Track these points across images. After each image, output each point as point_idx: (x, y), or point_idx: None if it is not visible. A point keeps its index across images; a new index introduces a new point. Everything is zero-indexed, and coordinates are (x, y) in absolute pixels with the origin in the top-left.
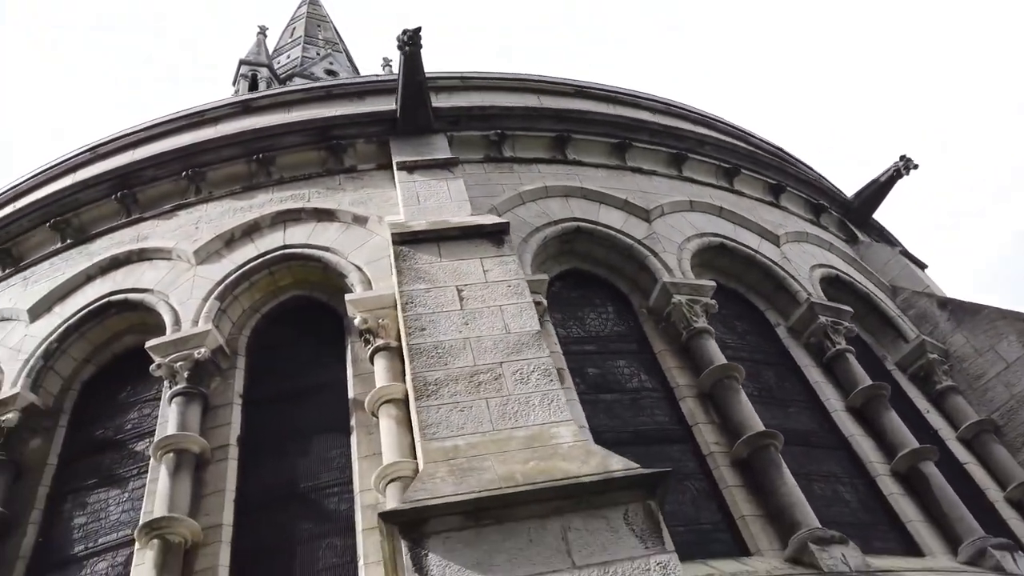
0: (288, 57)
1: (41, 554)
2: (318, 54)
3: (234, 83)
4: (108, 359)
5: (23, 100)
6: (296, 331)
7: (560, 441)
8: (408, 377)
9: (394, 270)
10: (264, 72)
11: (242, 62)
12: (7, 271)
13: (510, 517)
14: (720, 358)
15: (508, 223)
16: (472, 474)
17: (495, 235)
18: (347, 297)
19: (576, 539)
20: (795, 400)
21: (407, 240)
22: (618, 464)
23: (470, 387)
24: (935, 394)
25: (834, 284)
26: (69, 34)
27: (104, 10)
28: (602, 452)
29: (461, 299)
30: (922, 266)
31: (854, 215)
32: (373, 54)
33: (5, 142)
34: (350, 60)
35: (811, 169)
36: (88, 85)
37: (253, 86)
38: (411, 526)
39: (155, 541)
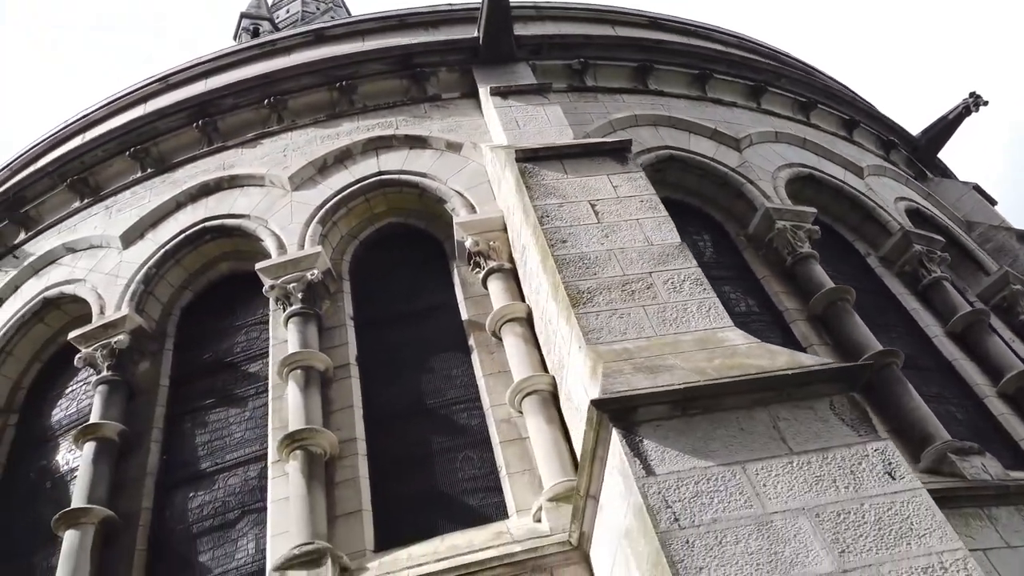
0: (287, 12)
1: (168, 470)
2: (318, 8)
3: (235, 37)
4: (204, 285)
5: (23, 100)
6: (394, 257)
7: (734, 343)
8: (551, 288)
9: (522, 186)
10: (266, 25)
11: (243, 15)
12: (86, 201)
13: (717, 407)
14: (829, 282)
15: (631, 140)
16: (662, 371)
17: (618, 152)
18: (456, 220)
19: (787, 428)
20: (894, 326)
21: (530, 157)
22: (809, 360)
23: (624, 295)
24: (1019, 324)
25: (915, 217)
26: (69, 34)
27: (104, 10)
28: (787, 350)
29: (596, 213)
30: (993, 202)
31: (920, 153)
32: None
33: (5, 142)
34: (350, 15)
35: (876, 107)
36: (88, 85)
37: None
38: (621, 414)
39: (298, 452)
